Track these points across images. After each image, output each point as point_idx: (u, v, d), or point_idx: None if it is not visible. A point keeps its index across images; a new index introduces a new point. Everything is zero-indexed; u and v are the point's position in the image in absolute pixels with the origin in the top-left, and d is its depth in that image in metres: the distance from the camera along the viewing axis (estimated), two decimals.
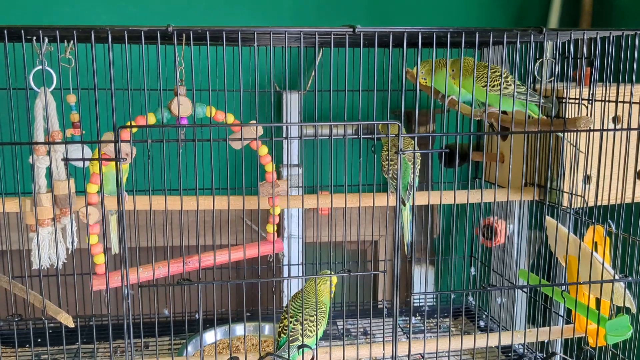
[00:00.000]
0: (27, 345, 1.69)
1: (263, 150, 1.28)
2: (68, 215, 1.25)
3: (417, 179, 1.40)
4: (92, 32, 1.05)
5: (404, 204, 1.39)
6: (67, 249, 1.29)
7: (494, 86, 1.37)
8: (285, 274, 1.92)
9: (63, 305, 1.17)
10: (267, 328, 1.77)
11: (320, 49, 1.76)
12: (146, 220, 1.74)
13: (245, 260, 1.37)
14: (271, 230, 1.36)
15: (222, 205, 1.31)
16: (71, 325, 1.15)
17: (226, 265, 1.34)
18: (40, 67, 1.13)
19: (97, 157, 1.15)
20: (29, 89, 1.13)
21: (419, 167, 1.43)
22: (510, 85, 1.35)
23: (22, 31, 1.05)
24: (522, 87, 1.38)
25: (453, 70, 1.42)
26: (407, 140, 1.42)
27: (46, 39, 1.10)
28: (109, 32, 1.05)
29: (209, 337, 1.71)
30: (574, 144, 1.38)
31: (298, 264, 1.97)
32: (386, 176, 1.42)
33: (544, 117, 1.40)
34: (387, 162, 1.38)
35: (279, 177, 1.90)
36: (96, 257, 1.27)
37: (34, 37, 1.09)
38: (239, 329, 1.75)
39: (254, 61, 1.13)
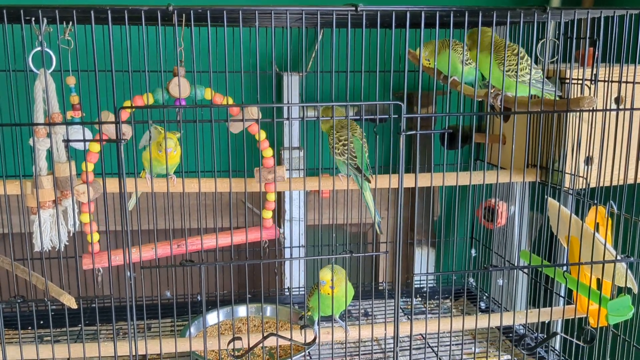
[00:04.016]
0: (30, 327, 1.70)
1: (261, 135, 1.27)
2: (69, 198, 1.25)
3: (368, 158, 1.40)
4: (91, 12, 1.04)
5: (369, 181, 1.38)
6: (69, 231, 1.29)
7: (511, 71, 1.33)
8: (287, 256, 1.92)
9: (65, 287, 1.18)
10: (269, 309, 1.77)
11: (321, 29, 1.75)
12: (147, 203, 1.75)
13: (247, 242, 1.37)
14: (268, 216, 1.36)
15: (224, 188, 1.30)
16: (74, 306, 1.16)
17: (228, 247, 1.34)
18: (39, 48, 1.12)
19: (97, 138, 1.14)
20: (28, 71, 1.12)
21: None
22: (527, 72, 1.33)
23: (21, 11, 1.04)
24: (539, 72, 1.35)
25: (468, 45, 1.39)
26: (353, 124, 1.41)
27: (45, 20, 1.09)
28: (109, 12, 1.03)
29: (212, 318, 1.71)
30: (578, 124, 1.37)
31: (299, 246, 1.97)
32: (339, 158, 1.41)
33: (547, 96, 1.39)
34: (341, 143, 1.36)
35: (280, 160, 1.90)
36: (89, 236, 1.27)
37: (33, 18, 1.08)
38: (241, 310, 1.76)
39: (254, 42, 1.12)
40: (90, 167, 1.22)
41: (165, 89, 1.20)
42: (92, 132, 1.32)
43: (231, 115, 1.24)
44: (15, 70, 1.17)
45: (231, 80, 1.15)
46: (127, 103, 1.17)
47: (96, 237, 1.29)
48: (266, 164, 1.31)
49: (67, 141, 1.13)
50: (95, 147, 1.19)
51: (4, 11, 1.04)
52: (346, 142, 1.37)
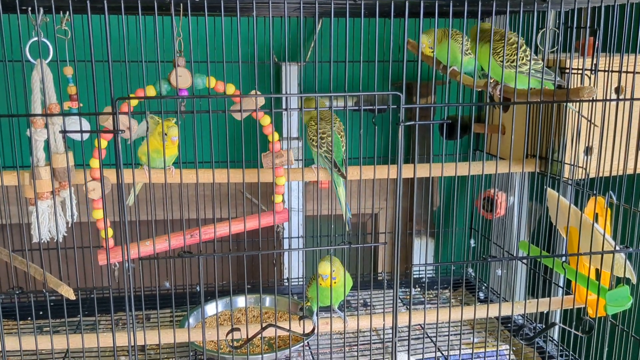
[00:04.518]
0: (29, 318, 1.70)
1: (265, 120, 1.26)
2: (67, 189, 1.25)
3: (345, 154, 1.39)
4: (87, 2, 1.03)
5: (344, 177, 1.38)
6: (67, 222, 1.29)
7: (511, 62, 1.33)
8: (286, 247, 1.92)
9: (64, 278, 1.18)
10: (267, 300, 1.77)
11: (320, 19, 1.74)
12: (146, 194, 1.75)
13: (246, 232, 1.37)
14: (279, 200, 1.35)
15: (222, 179, 1.30)
16: (72, 297, 1.16)
17: (227, 238, 1.34)
18: (36, 38, 1.11)
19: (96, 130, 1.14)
20: (25, 61, 1.11)
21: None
22: (526, 64, 1.32)
23: (17, 1, 1.03)
24: (539, 63, 1.34)
25: (468, 40, 1.39)
26: (329, 114, 1.39)
27: (41, 10, 1.08)
28: (105, 2, 1.03)
29: (211, 309, 1.71)
30: (580, 113, 1.37)
31: (298, 237, 1.97)
32: (316, 150, 1.40)
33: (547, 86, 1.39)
34: (317, 137, 1.35)
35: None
36: (103, 232, 1.26)
37: (29, 8, 1.07)
38: (240, 301, 1.76)
39: (252, 32, 1.12)
40: (97, 163, 1.21)
41: (166, 80, 1.20)
42: (90, 123, 1.31)
43: (233, 103, 1.23)
44: (12, 60, 1.16)
45: (229, 71, 1.14)
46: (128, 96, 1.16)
47: (110, 232, 1.28)
48: (271, 148, 1.30)
49: (64, 132, 1.12)
50: (102, 143, 1.18)
51: (0, 1, 1.03)
52: (323, 136, 1.36)
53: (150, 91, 1.19)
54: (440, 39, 1.46)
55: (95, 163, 1.18)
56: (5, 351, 1.20)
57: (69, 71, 1.20)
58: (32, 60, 1.14)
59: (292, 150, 1.33)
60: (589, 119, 1.34)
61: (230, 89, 1.21)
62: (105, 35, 1.04)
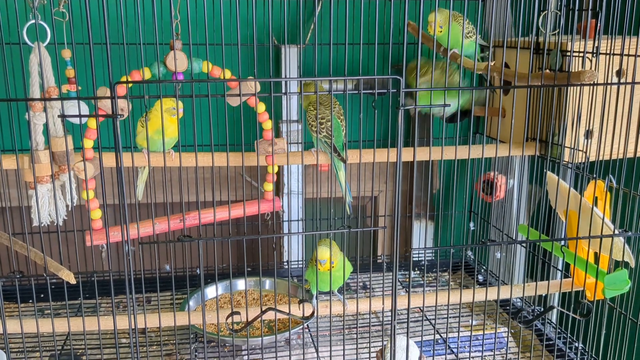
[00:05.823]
0: (30, 301, 1.71)
1: (261, 107, 1.26)
2: (67, 172, 1.25)
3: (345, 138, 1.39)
4: None
5: (344, 161, 1.37)
6: (67, 206, 1.29)
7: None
8: (286, 230, 1.93)
9: (64, 262, 1.18)
10: (267, 282, 1.78)
11: (319, 0, 1.72)
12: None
13: (246, 216, 1.37)
14: (269, 188, 1.35)
15: (221, 162, 1.30)
16: (73, 281, 1.16)
17: (227, 221, 1.34)
18: (33, 21, 1.10)
19: (94, 112, 1.13)
20: (22, 44, 1.10)
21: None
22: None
23: None
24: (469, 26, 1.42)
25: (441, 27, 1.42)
26: (328, 98, 1.38)
27: None
28: None
29: (211, 292, 1.72)
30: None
31: (298, 220, 1.97)
32: (316, 135, 1.39)
33: (548, 70, 1.38)
34: (317, 122, 1.34)
35: (278, 134, 1.89)
36: (92, 212, 1.27)
37: None
38: (240, 284, 1.77)
39: (251, 14, 1.11)
40: (90, 143, 1.21)
41: (162, 63, 1.19)
42: (89, 106, 1.31)
43: (229, 89, 1.23)
44: (10, 43, 1.15)
45: (228, 53, 1.14)
46: (124, 78, 1.15)
47: (99, 213, 1.28)
48: (266, 136, 1.30)
49: (62, 116, 1.12)
50: (94, 123, 1.18)
51: None
52: (322, 121, 1.36)
53: (146, 73, 1.18)
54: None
55: (87, 143, 1.18)
56: (6, 334, 1.21)
57: (67, 54, 1.19)
58: (29, 43, 1.13)
59: (284, 139, 1.32)
60: (589, 102, 1.33)
61: (227, 74, 1.20)
62: (103, 17, 1.03)
